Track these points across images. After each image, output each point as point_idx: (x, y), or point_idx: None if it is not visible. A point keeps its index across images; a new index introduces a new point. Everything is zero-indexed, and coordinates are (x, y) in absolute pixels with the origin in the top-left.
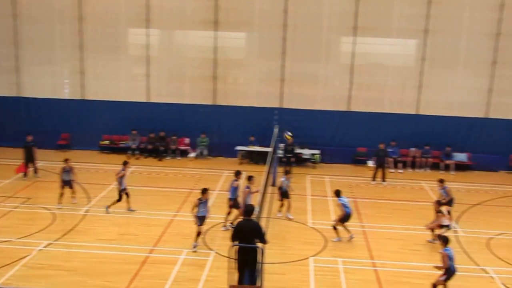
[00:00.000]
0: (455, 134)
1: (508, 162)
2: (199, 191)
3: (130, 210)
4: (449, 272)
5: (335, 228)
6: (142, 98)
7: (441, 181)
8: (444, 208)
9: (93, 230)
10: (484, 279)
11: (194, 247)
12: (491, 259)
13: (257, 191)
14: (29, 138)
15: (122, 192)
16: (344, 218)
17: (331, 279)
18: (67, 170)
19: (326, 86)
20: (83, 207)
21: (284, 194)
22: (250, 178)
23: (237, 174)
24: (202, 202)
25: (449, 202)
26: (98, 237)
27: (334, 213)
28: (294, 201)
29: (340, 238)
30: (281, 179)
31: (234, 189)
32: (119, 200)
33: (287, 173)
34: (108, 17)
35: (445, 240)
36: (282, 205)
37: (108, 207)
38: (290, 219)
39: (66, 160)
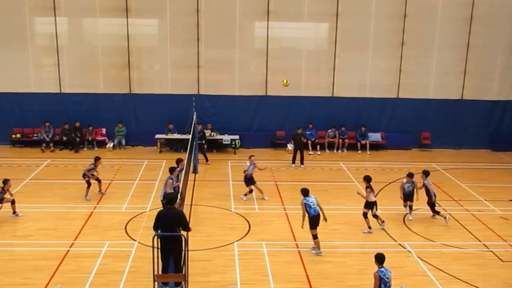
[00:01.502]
0: (369, 115)
1: (420, 139)
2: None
3: (100, 192)
4: None
5: (315, 237)
6: (53, 89)
7: (411, 175)
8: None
9: (8, 226)
10: (401, 253)
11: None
12: (407, 234)
13: (178, 184)
14: None
15: (92, 179)
16: (310, 221)
17: (255, 262)
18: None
19: (242, 71)
20: None
21: (249, 181)
22: (172, 170)
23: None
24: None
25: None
26: (13, 234)
27: (257, 199)
28: (216, 187)
29: (320, 252)
30: (246, 164)
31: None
32: (89, 186)
33: (250, 157)
34: (11, 5)
35: (379, 259)
36: (251, 191)
37: (86, 195)
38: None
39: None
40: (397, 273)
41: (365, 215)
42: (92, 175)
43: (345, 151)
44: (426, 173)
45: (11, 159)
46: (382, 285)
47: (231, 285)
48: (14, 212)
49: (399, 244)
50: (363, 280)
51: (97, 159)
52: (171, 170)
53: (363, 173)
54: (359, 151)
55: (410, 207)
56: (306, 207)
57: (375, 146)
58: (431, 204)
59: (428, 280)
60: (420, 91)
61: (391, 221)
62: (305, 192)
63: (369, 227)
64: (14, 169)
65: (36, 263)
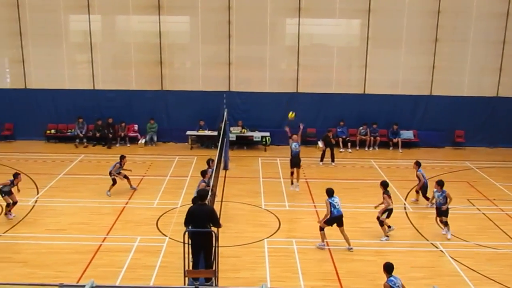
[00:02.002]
0: (401, 112)
1: (453, 137)
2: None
3: (132, 188)
4: None
5: (321, 229)
6: (87, 86)
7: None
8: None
9: (42, 220)
10: (434, 253)
11: None
12: (440, 233)
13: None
14: None
15: (119, 176)
16: (329, 220)
17: (285, 259)
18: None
19: (273, 68)
20: (31, 198)
21: (295, 160)
22: (204, 173)
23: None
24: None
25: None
26: (47, 228)
27: (287, 196)
28: (247, 183)
29: (323, 244)
30: (292, 145)
31: None
32: (114, 183)
33: (292, 137)
34: (47, 3)
35: (388, 269)
36: (292, 173)
37: (109, 191)
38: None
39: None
40: (429, 273)
41: (381, 223)
42: (119, 173)
43: (377, 149)
44: (418, 164)
45: (45, 154)
46: None
47: (261, 282)
48: (9, 211)
49: (431, 243)
50: None
51: (122, 157)
52: (203, 173)
53: (395, 171)
54: (391, 149)
55: (446, 223)
56: (331, 206)
57: (407, 144)
58: (423, 190)
59: (461, 280)
60: (453, 88)
61: (423, 220)
62: (330, 192)
63: (389, 226)
64: (48, 164)
65: (69, 256)
